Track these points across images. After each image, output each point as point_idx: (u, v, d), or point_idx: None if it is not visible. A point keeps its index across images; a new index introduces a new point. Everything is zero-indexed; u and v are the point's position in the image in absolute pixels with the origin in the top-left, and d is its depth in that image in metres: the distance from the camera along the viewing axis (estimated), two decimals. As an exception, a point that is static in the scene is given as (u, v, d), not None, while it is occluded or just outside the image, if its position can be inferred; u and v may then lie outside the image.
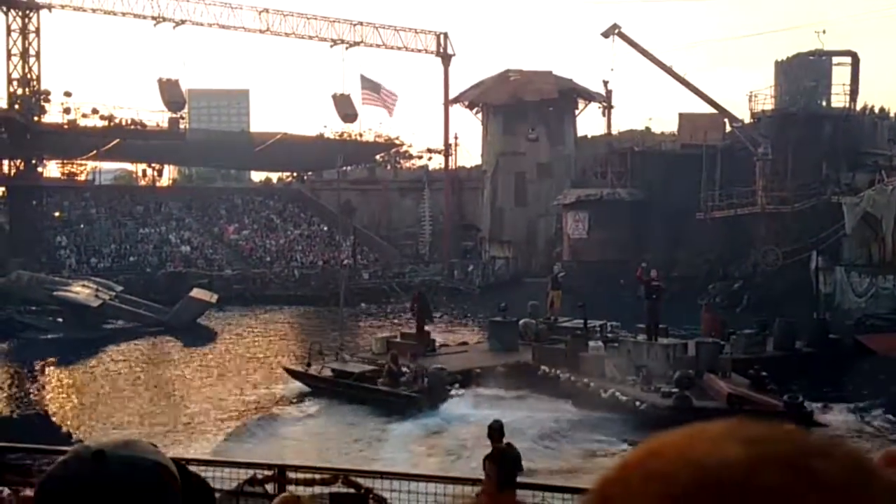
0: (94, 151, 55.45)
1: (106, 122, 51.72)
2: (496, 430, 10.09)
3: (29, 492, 8.78)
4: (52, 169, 55.18)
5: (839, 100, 46.38)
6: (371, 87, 61.13)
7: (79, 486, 1.22)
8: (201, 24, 55.23)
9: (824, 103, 46.48)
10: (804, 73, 46.22)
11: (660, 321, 24.35)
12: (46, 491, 1.26)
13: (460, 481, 9.22)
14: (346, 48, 60.16)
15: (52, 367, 29.64)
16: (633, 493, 0.72)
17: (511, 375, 23.71)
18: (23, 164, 49.50)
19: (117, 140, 53.19)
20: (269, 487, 8.71)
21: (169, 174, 71.23)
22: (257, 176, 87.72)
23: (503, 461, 9.53)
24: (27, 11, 49.75)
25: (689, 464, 0.70)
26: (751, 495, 0.66)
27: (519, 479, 9.75)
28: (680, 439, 0.74)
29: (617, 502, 0.73)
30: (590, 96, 58.26)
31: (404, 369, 22.52)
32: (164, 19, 53.86)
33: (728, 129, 51.37)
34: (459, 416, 20.78)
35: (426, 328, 27.67)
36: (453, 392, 22.03)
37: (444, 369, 22.68)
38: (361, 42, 60.36)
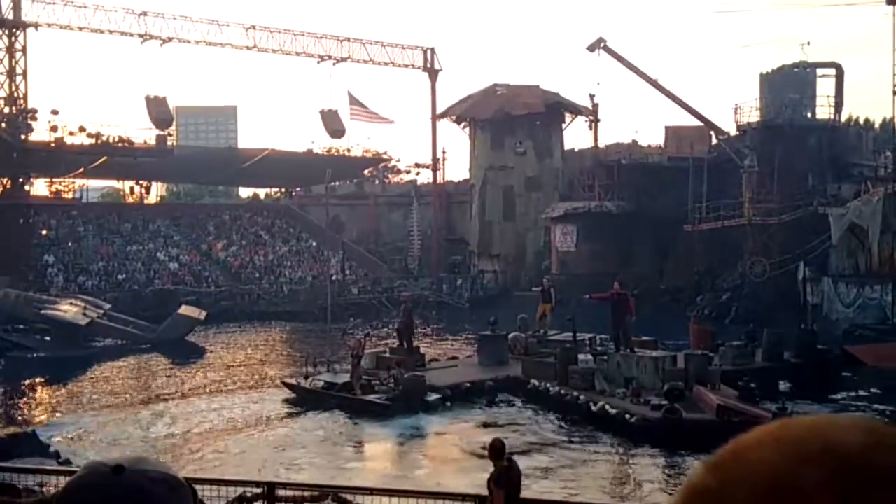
0: (82, 169, 55.29)
1: (93, 140, 51.61)
2: (497, 450, 9.77)
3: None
4: (39, 187, 55.03)
5: (824, 111, 46.72)
6: (359, 104, 61.30)
7: (101, 499, 1.25)
8: (188, 42, 55.31)
9: (809, 115, 46.78)
10: (789, 86, 46.52)
11: (629, 331, 24.35)
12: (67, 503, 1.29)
13: (450, 497, 9.23)
14: (334, 64, 60.31)
15: (40, 386, 29.49)
16: (765, 450, 0.83)
17: (501, 389, 23.84)
18: (10, 182, 49.34)
19: (105, 158, 53.05)
20: (259, 505, 8.70)
21: (157, 191, 71.15)
22: (245, 192, 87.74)
23: (506, 482, 9.43)
24: (14, 30, 49.68)
25: (818, 436, 0.82)
26: (865, 468, 0.79)
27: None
28: (811, 420, 0.85)
29: (749, 456, 0.84)
30: (576, 110, 58.48)
31: (387, 379, 23.14)
32: (151, 37, 53.90)
33: (714, 141, 51.66)
34: (431, 425, 21.22)
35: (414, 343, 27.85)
36: (431, 399, 22.21)
37: (423, 377, 22.85)
38: (349, 58, 60.52)
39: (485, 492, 9.47)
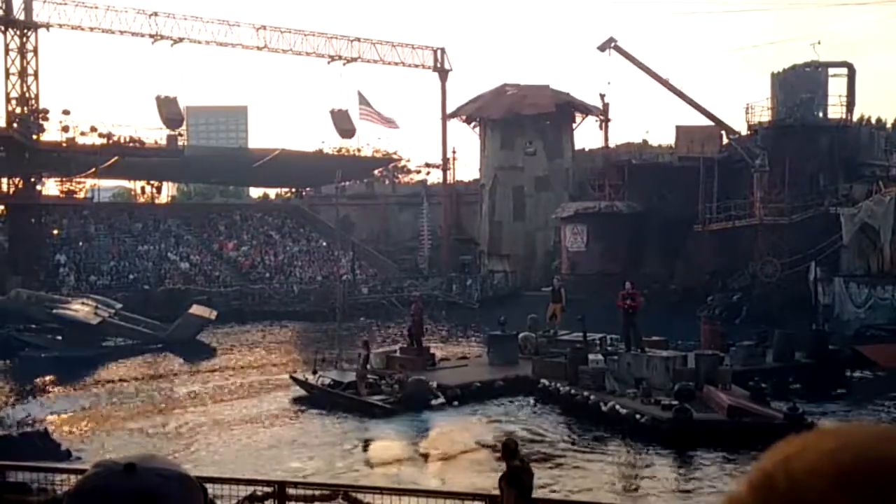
0: (93, 169, 55.46)
1: (104, 140, 51.77)
2: (510, 450, 9.79)
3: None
4: (50, 187, 55.19)
5: (835, 111, 46.52)
6: (368, 104, 61.37)
7: (114, 497, 1.26)
8: (199, 42, 55.44)
9: (821, 115, 46.57)
10: (800, 85, 46.34)
11: (640, 333, 24.31)
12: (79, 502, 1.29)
13: (461, 496, 9.23)
14: (344, 64, 60.38)
15: (51, 385, 29.60)
16: (824, 482, 0.73)
17: (511, 389, 23.85)
18: (22, 182, 49.52)
19: (116, 158, 53.23)
20: (269, 504, 8.72)
21: (168, 191, 71.31)
22: (256, 192, 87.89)
23: (518, 482, 9.40)
24: (25, 30, 49.87)
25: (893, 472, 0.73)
26: None
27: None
28: (879, 445, 0.75)
29: (806, 484, 0.74)
30: (587, 110, 58.38)
31: (393, 383, 23.19)
32: (162, 37, 54.04)
33: (725, 141, 51.48)
34: (440, 424, 21.30)
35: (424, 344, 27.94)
36: (434, 403, 22.20)
37: (426, 381, 22.85)
38: (359, 58, 60.58)
39: (496, 491, 9.47)
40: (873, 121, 69.57)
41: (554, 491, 15.37)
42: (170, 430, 21.80)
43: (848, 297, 36.83)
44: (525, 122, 56.41)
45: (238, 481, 9.14)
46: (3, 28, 49.62)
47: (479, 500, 9.25)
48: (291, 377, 26.31)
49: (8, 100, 49.70)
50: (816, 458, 0.74)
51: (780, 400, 20.66)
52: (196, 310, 39.78)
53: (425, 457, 19.33)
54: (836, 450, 0.74)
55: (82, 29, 52.06)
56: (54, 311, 37.07)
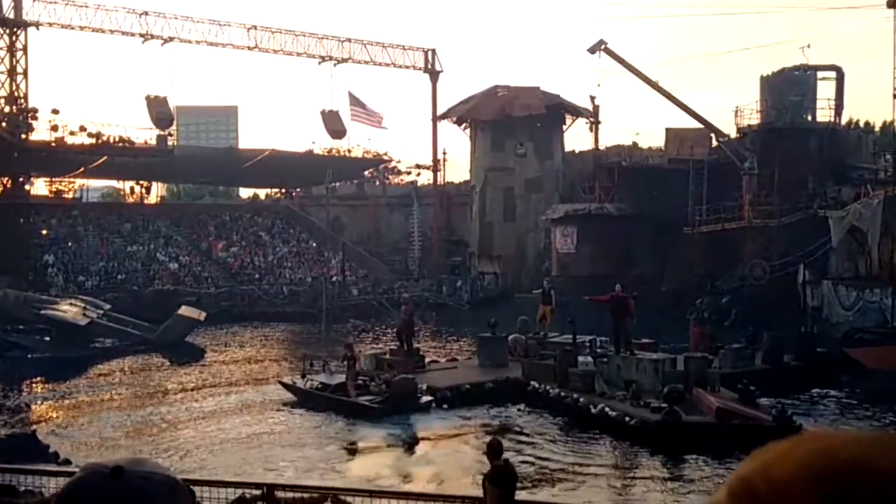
0: (82, 169, 55.33)
1: (94, 140, 51.63)
2: (495, 449, 9.78)
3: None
4: (39, 187, 55.06)
5: (824, 114, 46.70)
6: (359, 104, 61.40)
7: (101, 500, 1.26)
8: (189, 42, 55.39)
9: (809, 118, 46.74)
10: (789, 88, 46.49)
11: (629, 334, 24.36)
12: None
13: (449, 499, 9.23)
14: (335, 65, 60.41)
15: (39, 387, 29.47)
16: (803, 486, 0.73)
17: (500, 391, 23.84)
18: (10, 181, 49.36)
19: (105, 157, 53.08)
20: (258, 507, 8.69)
21: (157, 191, 71.14)
22: (245, 192, 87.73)
23: (502, 481, 9.41)
24: (15, 29, 49.72)
25: (869, 481, 0.73)
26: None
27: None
28: (854, 453, 0.75)
29: (788, 492, 0.74)
30: (577, 111, 58.45)
31: (381, 383, 23.16)
32: (152, 37, 53.97)
33: (714, 143, 51.61)
34: (429, 427, 21.26)
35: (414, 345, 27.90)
36: (423, 401, 22.20)
37: (413, 379, 22.84)
38: (350, 59, 60.61)
39: (481, 494, 9.46)
40: (861, 124, 69.89)
41: (541, 492, 15.37)
42: (156, 431, 21.73)
43: (836, 299, 36.95)
44: (515, 123, 56.44)
45: (226, 484, 9.11)
46: (-8, 27, 49.46)
47: (466, 502, 9.24)
48: (280, 383, 26.17)
49: (-3, 99, 49.56)
50: (794, 465, 0.74)
51: (768, 402, 20.71)
52: (185, 311, 39.68)
53: (413, 459, 19.31)
54: (815, 456, 0.74)
55: (72, 28, 51.96)
56: (42, 311, 36.91)
